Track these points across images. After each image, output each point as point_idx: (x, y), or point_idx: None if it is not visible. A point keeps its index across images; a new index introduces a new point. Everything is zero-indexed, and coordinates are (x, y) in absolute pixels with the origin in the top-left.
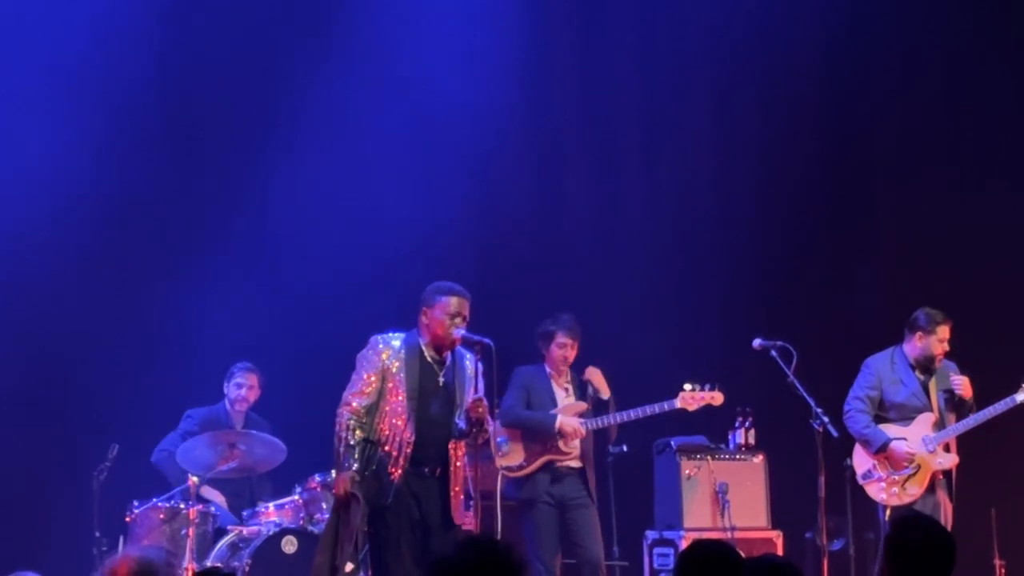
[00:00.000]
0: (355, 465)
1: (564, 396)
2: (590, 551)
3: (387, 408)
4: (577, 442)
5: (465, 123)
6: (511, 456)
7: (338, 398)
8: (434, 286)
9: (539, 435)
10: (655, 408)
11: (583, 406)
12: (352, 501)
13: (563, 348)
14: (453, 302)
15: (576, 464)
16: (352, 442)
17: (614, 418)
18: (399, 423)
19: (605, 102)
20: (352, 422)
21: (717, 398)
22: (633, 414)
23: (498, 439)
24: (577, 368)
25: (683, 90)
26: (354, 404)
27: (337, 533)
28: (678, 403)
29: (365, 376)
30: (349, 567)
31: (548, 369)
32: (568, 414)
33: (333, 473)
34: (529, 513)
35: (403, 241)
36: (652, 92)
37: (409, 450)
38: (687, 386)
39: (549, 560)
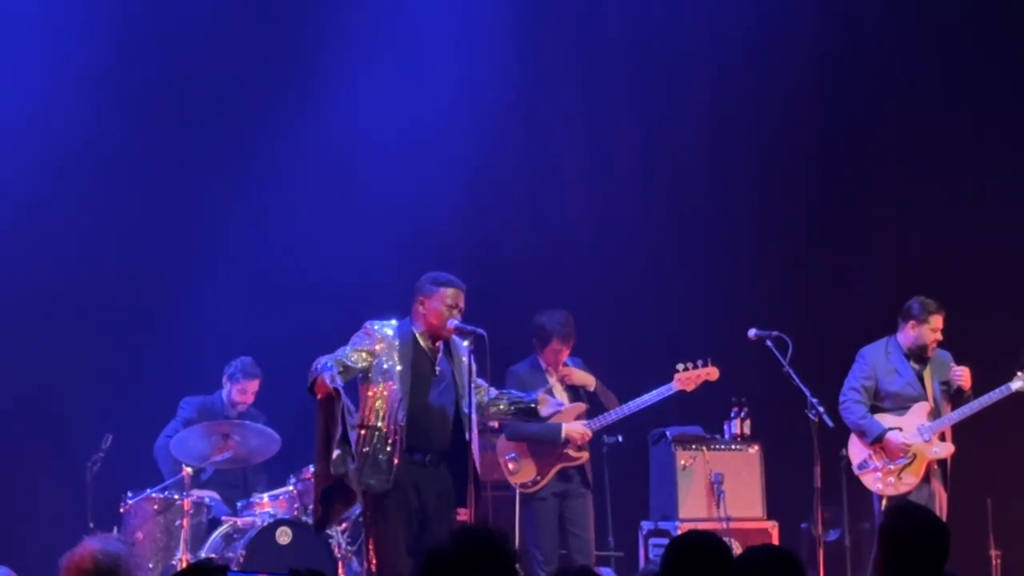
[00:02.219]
0: (336, 373)
1: (560, 390)
2: (583, 539)
3: (385, 393)
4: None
5: (463, 116)
6: (523, 473)
7: None
8: (431, 276)
9: (547, 446)
10: (654, 396)
11: (582, 407)
12: (335, 397)
13: (557, 354)
14: (452, 293)
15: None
16: (330, 363)
17: (616, 414)
18: (394, 406)
19: (601, 95)
20: (330, 362)
21: (713, 373)
22: (634, 406)
23: (508, 455)
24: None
25: (679, 82)
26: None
27: (328, 432)
28: (676, 386)
29: (356, 345)
30: (336, 453)
31: (543, 364)
32: (569, 418)
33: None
34: (532, 505)
35: (401, 230)
36: (649, 85)
37: (402, 434)
38: (680, 366)
39: (549, 551)
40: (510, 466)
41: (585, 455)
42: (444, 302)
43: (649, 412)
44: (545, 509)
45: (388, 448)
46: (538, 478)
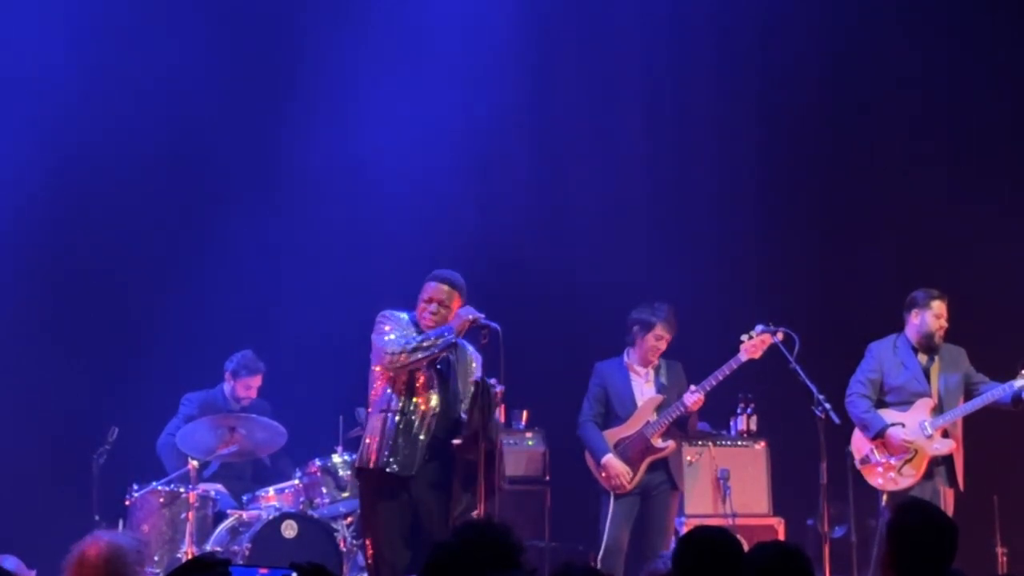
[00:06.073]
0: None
1: (643, 385)
2: (647, 540)
3: (403, 378)
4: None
5: (471, 120)
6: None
7: (338, 381)
8: None
9: (631, 446)
10: (723, 371)
11: (660, 398)
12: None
13: (659, 340)
14: (428, 288)
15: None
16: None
17: (687, 400)
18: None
19: (604, 90)
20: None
21: (778, 335)
22: (705, 385)
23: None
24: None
25: (687, 76)
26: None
27: None
28: (744, 356)
29: (401, 324)
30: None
31: (627, 359)
32: (648, 409)
33: (333, 457)
34: (612, 497)
35: (407, 223)
36: (651, 78)
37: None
38: (744, 336)
39: (613, 543)
40: (603, 473)
41: (672, 445)
42: (422, 296)
43: None
44: (625, 503)
45: (415, 432)
46: (632, 476)
